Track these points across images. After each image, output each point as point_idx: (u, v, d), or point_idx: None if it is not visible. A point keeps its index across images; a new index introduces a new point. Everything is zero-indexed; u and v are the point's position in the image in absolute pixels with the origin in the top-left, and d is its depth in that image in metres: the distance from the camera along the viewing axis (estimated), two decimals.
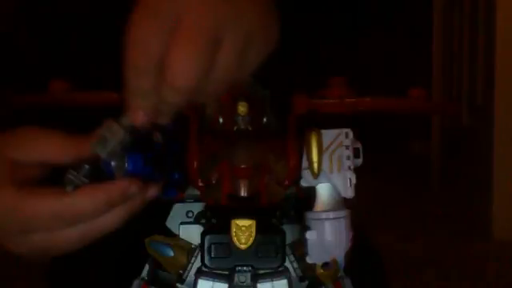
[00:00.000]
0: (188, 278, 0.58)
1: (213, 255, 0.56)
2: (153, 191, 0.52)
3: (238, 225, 0.56)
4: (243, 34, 0.48)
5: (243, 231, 0.56)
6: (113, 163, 0.51)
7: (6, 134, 0.53)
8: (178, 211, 0.60)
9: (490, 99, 2.79)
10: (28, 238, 0.52)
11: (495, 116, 2.76)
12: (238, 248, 0.56)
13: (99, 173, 0.52)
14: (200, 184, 0.56)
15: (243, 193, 0.56)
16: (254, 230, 0.55)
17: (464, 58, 3.16)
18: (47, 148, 0.53)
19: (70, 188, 0.51)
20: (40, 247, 0.52)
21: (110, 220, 0.52)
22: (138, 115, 0.49)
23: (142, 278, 0.59)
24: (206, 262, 0.56)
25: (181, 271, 0.59)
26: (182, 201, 0.60)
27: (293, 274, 0.58)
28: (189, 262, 0.58)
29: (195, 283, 0.57)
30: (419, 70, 3.48)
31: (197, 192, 0.58)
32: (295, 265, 0.58)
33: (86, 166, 0.51)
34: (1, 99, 0.66)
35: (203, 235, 0.57)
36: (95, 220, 0.51)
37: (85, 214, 0.51)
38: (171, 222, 0.60)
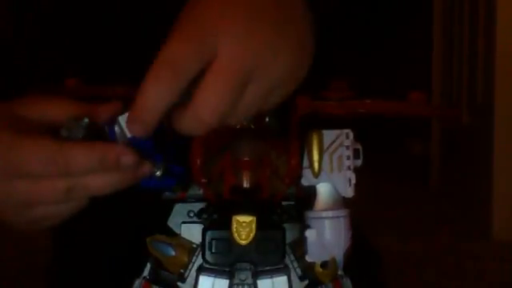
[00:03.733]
0: (189, 277, 0.59)
1: (213, 251, 0.57)
2: (146, 168, 0.52)
3: (238, 221, 0.56)
4: (274, 78, 0.49)
5: (244, 227, 0.56)
6: (116, 128, 0.52)
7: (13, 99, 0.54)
8: (180, 211, 0.60)
9: (490, 98, 2.79)
10: (16, 184, 0.51)
11: (495, 115, 2.76)
12: (238, 244, 0.56)
13: (98, 131, 0.52)
14: (203, 180, 0.56)
15: (246, 184, 0.57)
16: (254, 226, 0.56)
17: (464, 58, 3.16)
18: (49, 106, 0.54)
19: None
20: (27, 198, 0.51)
21: (100, 182, 0.51)
22: (137, 128, 0.50)
23: (144, 277, 0.60)
24: (207, 257, 0.57)
25: (182, 270, 0.59)
26: (184, 200, 0.60)
27: (292, 273, 0.59)
28: (190, 261, 0.59)
29: (196, 279, 0.57)
30: (419, 71, 3.49)
31: (198, 192, 0.59)
32: (295, 264, 0.59)
33: (86, 120, 0.51)
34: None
35: (204, 231, 0.57)
36: (85, 177, 0.51)
37: (77, 165, 0.50)
38: (172, 222, 0.60)
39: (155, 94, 0.48)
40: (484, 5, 2.89)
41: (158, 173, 0.53)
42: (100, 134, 0.52)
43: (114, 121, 0.52)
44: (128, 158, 0.50)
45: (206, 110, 0.48)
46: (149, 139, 0.51)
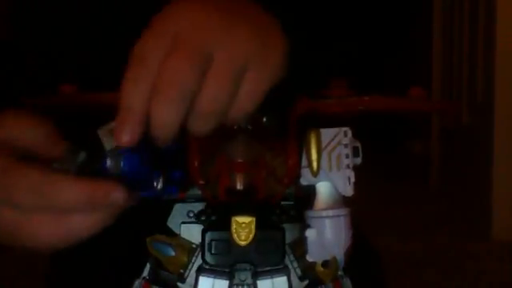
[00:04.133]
0: (189, 278, 0.59)
1: (213, 252, 0.57)
2: (133, 199, 0.50)
3: (238, 222, 0.56)
4: (268, 66, 0.51)
5: (243, 228, 0.56)
6: (108, 162, 0.50)
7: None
8: (179, 211, 0.60)
9: (490, 98, 2.79)
10: (4, 212, 0.49)
11: (495, 115, 2.76)
12: (237, 245, 0.56)
13: (95, 166, 0.50)
14: (201, 182, 0.56)
15: (239, 186, 0.57)
16: (253, 226, 0.56)
17: (464, 58, 3.16)
18: (20, 132, 0.52)
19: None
20: (14, 228, 0.50)
21: (87, 221, 0.49)
22: (123, 135, 0.48)
23: (144, 278, 0.60)
24: (207, 258, 0.57)
25: (182, 270, 0.59)
26: (183, 201, 0.60)
27: (292, 273, 0.59)
28: (189, 261, 0.59)
29: (196, 280, 0.57)
30: (419, 71, 3.49)
31: (198, 192, 0.59)
32: (295, 264, 0.59)
33: (83, 154, 0.50)
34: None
35: (204, 232, 0.57)
36: (71, 216, 0.49)
37: (64, 199, 0.48)
38: (172, 222, 0.60)
39: (134, 95, 0.48)
40: (484, 5, 2.89)
41: (159, 186, 0.53)
42: (97, 169, 0.50)
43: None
44: (118, 194, 0.48)
45: (206, 102, 0.48)
46: (143, 166, 0.51)
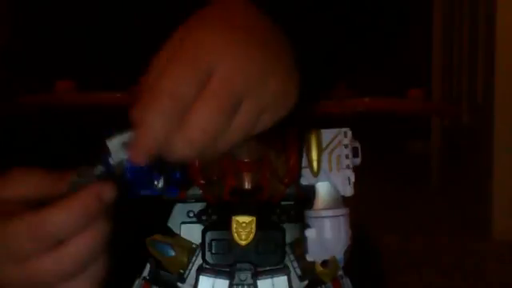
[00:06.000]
0: (189, 278, 0.59)
1: (213, 251, 0.57)
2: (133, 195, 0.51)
3: (238, 221, 0.57)
4: (264, 102, 0.50)
5: (244, 227, 0.56)
6: (111, 160, 0.51)
7: None
8: (179, 211, 0.60)
9: (490, 98, 2.79)
10: (10, 271, 0.49)
11: (495, 115, 2.76)
12: (238, 244, 0.57)
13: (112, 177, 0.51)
14: (201, 182, 0.57)
15: (247, 185, 0.57)
16: (254, 226, 0.56)
17: (464, 58, 3.16)
18: (25, 187, 0.52)
19: (70, 187, 0.50)
20: (24, 285, 0.50)
21: (88, 241, 0.49)
22: (139, 155, 0.49)
23: (144, 278, 0.60)
24: (207, 258, 0.57)
25: (181, 270, 0.59)
26: (184, 201, 0.60)
27: (292, 273, 0.59)
28: (189, 261, 0.59)
29: (196, 280, 0.58)
30: (419, 71, 3.49)
31: (198, 192, 0.59)
32: (295, 264, 0.59)
33: (100, 167, 0.51)
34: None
35: (204, 232, 0.58)
36: (71, 242, 0.49)
37: (62, 227, 0.48)
38: (172, 222, 0.61)
39: (157, 124, 0.48)
40: (484, 5, 2.89)
41: (160, 185, 0.53)
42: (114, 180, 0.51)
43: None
44: (108, 192, 0.49)
45: (196, 131, 0.48)
46: (145, 166, 0.51)
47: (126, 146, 0.50)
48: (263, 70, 0.50)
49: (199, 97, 0.48)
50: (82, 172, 0.51)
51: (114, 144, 0.51)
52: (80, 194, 0.49)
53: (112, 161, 0.51)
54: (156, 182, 0.53)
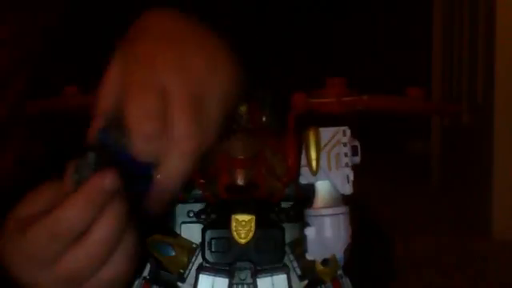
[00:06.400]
0: (189, 277, 0.59)
1: (213, 250, 0.57)
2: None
3: (238, 220, 0.57)
4: (218, 93, 0.55)
5: (243, 226, 0.57)
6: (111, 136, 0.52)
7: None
8: (180, 211, 0.61)
9: (490, 98, 2.79)
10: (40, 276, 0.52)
11: (495, 116, 2.76)
12: (237, 243, 0.57)
13: (109, 158, 0.52)
14: (201, 181, 0.57)
15: (240, 181, 0.57)
16: (253, 224, 0.57)
17: (464, 58, 3.16)
18: (41, 202, 0.54)
19: (75, 185, 0.51)
20: (54, 282, 0.52)
21: (104, 228, 0.51)
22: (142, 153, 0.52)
23: (144, 278, 0.60)
24: (207, 256, 0.57)
25: (181, 270, 0.59)
26: (184, 201, 0.60)
27: (292, 272, 0.59)
28: (189, 261, 0.59)
29: (196, 278, 0.58)
30: (419, 71, 3.49)
31: (198, 192, 0.59)
32: (295, 264, 0.59)
33: (91, 154, 0.52)
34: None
35: (204, 230, 0.58)
36: (93, 231, 0.51)
37: (76, 221, 0.51)
38: (173, 222, 0.61)
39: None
40: (484, 5, 2.89)
41: (159, 175, 0.54)
42: (111, 161, 0.52)
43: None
44: (110, 179, 0.51)
45: (186, 142, 0.52)
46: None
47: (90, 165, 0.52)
48: (208, 67, 0.55)
49: (173, 112, 0.52)
50: (78, 167, 0.51)
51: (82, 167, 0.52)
52: (82, 189, 0.51)
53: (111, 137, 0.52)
54: (151, 174, 0.54)
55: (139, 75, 0.53)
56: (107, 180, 0.51)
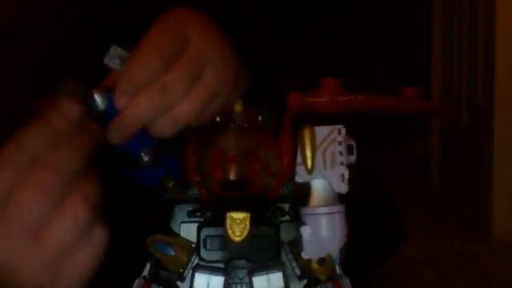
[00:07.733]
0: (188, 277, 0.59)
1: (208, 247, 0.58)
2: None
3: (232, 217, 0.57)
4: (224, 78, 0.54)
5: (238, 224, 0.57)
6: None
7: None
8: (180, 211, 0.61)
9: (490, 98, 2.79)
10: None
11: (495, 115, 2.76)
12: (232, 240, 0.57)
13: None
14: (197, 179, 0.57)
15: (232, 176, 0.57)
16: (248, 222, 0.57)
17: (464, 58, 3.16)
18: None
19: (118, 64, 0.51)
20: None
21: (65, 155, 0.47)
22: (122, 99, 0.51)
23: (144, 277, 0.60)
24: (202, 254, 0.57)
25: (181, 270, 0.59)
26: (184, 201, 0.60)
27: (291, 272, 0.59)
28: (189, 260, 0.59)
29: (192, 277, 0.58)
30: (419, 71, 3.49)
31: (195, 191, 0.59)
32: (294, 264, 0.59)
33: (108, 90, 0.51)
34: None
35: (199, 228, 0.58)
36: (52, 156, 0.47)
37: (35, 148, 0.47)
38: (172, 222, 0.61)
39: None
40: (484, 5, 2.89)
41: (146, 158, 0.53)
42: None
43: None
44: (74, 109, 0.48)
45: (183, 115, 0.52)
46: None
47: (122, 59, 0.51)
48: (227, 52, 0.55)
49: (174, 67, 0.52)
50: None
51: (116, 50, 0.51)
52: (45, 114, 0.48)
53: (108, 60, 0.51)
54: (143, 154, 0.53)
55: (165, 21, 0.53)
56: (71, 107, 0.48)
